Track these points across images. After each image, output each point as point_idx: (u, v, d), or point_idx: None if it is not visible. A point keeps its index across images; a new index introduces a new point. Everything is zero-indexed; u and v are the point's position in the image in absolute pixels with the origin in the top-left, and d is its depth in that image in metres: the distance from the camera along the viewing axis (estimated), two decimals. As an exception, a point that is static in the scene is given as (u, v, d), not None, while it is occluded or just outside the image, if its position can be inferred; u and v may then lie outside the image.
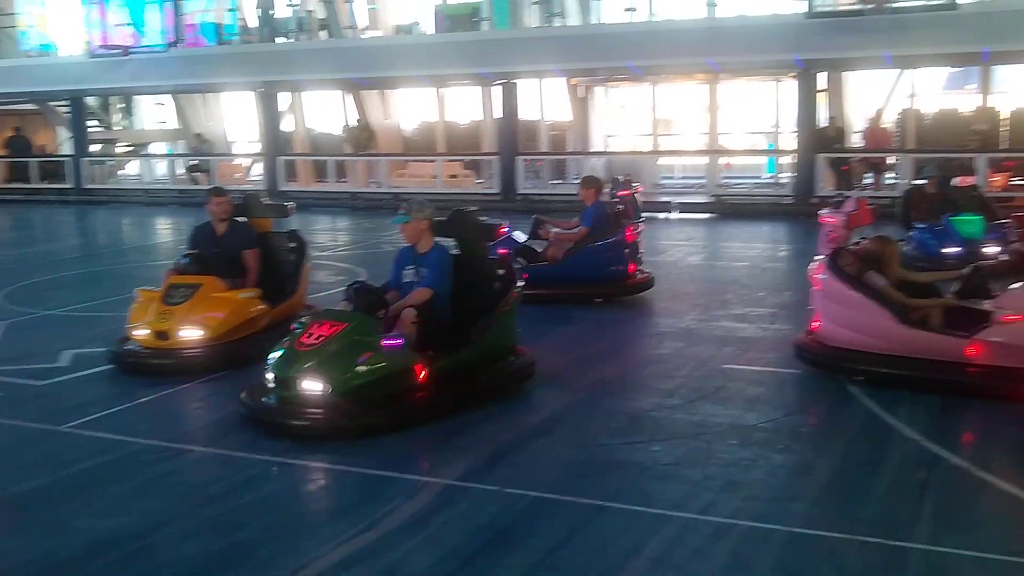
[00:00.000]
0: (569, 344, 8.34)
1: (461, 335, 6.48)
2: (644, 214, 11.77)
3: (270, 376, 6.04)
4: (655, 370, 7.22)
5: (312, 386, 5.84)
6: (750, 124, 24.42)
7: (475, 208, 6.96)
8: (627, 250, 9.96)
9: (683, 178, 24.28)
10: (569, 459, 5.40)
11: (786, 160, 21.01)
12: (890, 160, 19.55)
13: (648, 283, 10.18)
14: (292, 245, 8.43)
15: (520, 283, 6.81)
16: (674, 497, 4.80)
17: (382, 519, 4.59)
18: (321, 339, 6.01)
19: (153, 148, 29.31)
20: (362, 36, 22.78)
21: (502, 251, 7.18)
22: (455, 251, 6.93)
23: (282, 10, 23.57)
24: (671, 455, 5.42)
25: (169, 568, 4.18)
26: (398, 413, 5.93)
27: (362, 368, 5.87)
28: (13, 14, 26.58)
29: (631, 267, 9.99)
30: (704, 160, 22.13)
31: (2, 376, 7.29)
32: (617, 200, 10.60)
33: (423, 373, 6.03)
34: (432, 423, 5.93)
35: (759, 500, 4.78)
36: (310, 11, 22.94)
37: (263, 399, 6.03)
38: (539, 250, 10.07)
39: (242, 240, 8.07)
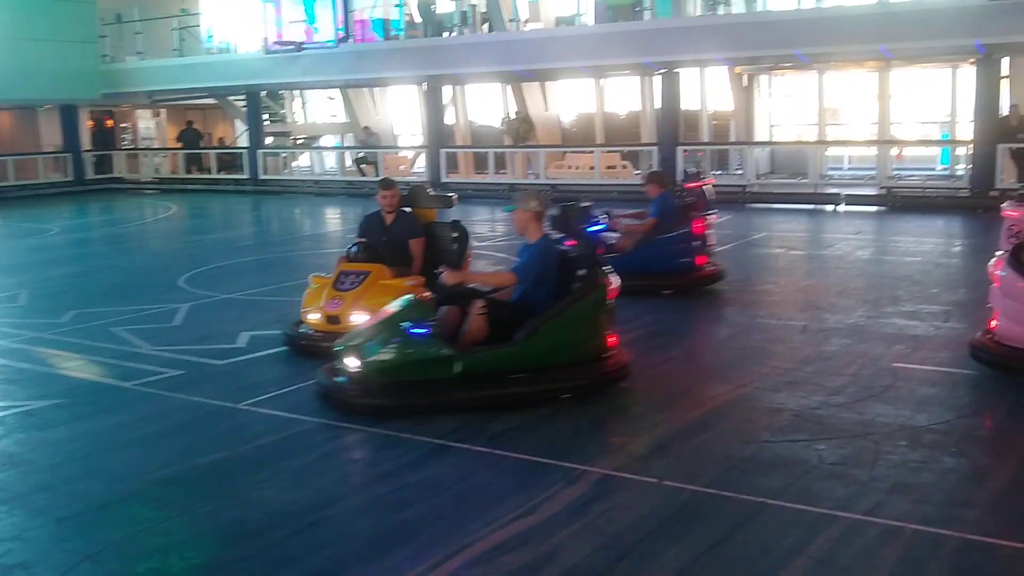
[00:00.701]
0: (725, 341, 8.25)
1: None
2: (792, 207, 11.50)
3: (337, 350, 6.41)
4: (821, 367, 7.04)
5: (351, 362, 6.19)
6: (923, 113, 23.38)
7: (588, 204, 6.82)
8: (695, 242, 10.04)
9: (851, 169, 23.51)
10: (730, 454, 5.34)
11: (962, 151, 20.03)
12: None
13: (718, 276, 10.20)
14: (454, 235, 8.61)
15: (610, 287, 6.44)
16: (839, 497, 4.68)
17: (541, 505, 4.66)
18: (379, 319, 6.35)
19: (323, 141, 30.45)
20: (524, 29, 22.98)
21: (569, 243, 6.79)
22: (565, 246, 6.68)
23: (444, 5, 24.05)
24: (836, 454, 5.29)
25: (344, 541, 4.36)
26: (423, 400, 6.08)
27: (389, 352, 6.11)
28: (198, 14, 28.06)
29: (700, 259, 10.06)
30: (873, 151, 21.37)
31: (185, 355, 7.77)
32: (686, 192, 10.59)
33: (458, 365, 6.07)
34: (579, 413, 6.00)
35: (929, 504, 4.61)
36: (473, 5, 23.30)
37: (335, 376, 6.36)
38: (611, 242, 9.99)
39: (408, 230, 8.31)
